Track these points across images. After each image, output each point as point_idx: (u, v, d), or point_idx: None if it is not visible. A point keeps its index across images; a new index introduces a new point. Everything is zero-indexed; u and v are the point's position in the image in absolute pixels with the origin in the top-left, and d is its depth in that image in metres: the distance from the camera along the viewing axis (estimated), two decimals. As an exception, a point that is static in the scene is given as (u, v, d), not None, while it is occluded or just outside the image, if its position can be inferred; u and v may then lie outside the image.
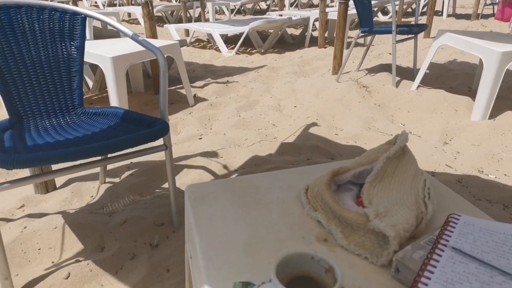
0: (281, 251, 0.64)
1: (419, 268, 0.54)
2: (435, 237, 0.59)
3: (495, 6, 8.09)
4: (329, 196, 0.71)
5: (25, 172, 1.83)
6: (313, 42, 5.13)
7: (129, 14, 8.68)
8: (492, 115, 2.39)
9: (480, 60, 2.73)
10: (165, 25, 4.85)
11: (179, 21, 7.61)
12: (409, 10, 9.40)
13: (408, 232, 0.61)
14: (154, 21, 2.76)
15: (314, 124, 2.37)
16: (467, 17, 7.97)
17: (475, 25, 6.61)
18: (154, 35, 2.81)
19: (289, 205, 0.76)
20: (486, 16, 7.96)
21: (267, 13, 6.58)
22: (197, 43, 5.13)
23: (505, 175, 1.81)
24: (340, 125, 2.40)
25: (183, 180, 1.76)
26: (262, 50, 4.57)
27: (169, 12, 7.90)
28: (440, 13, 8.42)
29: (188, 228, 0.79)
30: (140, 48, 2.23)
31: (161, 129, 1.11)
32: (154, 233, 1.40)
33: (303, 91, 2.95)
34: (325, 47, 4.70)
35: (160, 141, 1.30)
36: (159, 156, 1.97)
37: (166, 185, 1.73)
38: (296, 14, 5.39)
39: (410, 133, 2.26)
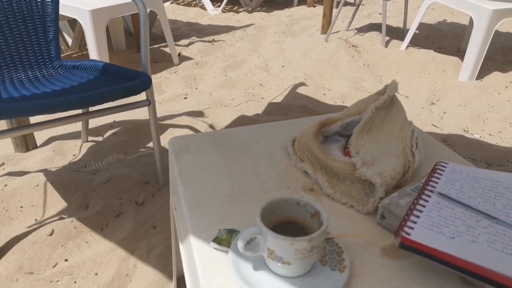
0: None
1: (404, 214, 0.53)
2: (422, 184, 0.59)
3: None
4: (316, 146, 0.69)
5: (2, 127, 1.77)
6: (302, 0, 4.97)
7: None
8: (480, 76, 2.39)
9: (470, 21, 2.69)
10: (147, -19, 4.61)
11: (163, -23, 7.23)
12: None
13: (394, 179, 0.60)
14: (135, -26, 2.61)
15: (302, 84, 2.33)
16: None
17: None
18: (135, -11, 2.66)
19: (275, 156, 0.75)
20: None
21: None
22: (181, 0, 4.91)
23: (490, 134, 1.84)
24: (328, 85, 2.36)
25: (168, 139, 1.73)
26: (250, 9, 4.41)
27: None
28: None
29: (172, 179, 0.77)
30: (120, 0, 2.12)
31: (143, 82, 1.06)
32: (139, 191, 1.38)
33: (291, 51, 2.89)
34: (314, 6, 4.56)
35: (143, 96, 1.26)
36: (143, 115, 1.92)
37: (150, 144, 1.70)
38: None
39: (397, 94, 2.24)
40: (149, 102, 1.20)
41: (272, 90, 2.27)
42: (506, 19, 2.21)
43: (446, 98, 2.20)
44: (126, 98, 1.80)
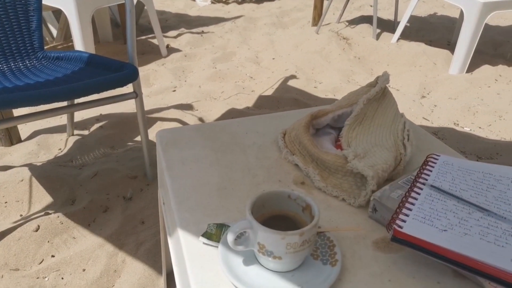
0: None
1: (396, 207, 0.52)
2: (414, 177, 0.58)
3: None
4: (307, 139, 0.68)
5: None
6: (293, -7, 4.92)
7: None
8: (470, 69, 2.40)
9: (461, 14, 2.70)
10: (135, -29, 4.52)
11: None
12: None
13: (386, 172, 0.60)
14: (122, -37, 2.55)
15: (292, 77, 2.31)
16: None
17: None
18: (122, -21, 2.61)
19: (266, 149, 0.73)
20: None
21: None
22: (170, -8, 4.83)
23: (480, 127, 1.85)
24: (319, 78, 2.35)
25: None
26: (240, 0, 4.36)
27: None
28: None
29: (160, 173, 0.75)
30: (107, -9, 2.06)
31: (130, 73, 1.03)
32: (127, 186, 1.36)
33: (281, 43, 2.86)
34: (305, -1, 4.53)
35: (130, 89, 1.23)
36: (131, 108, 1.89)
37: (138, 138, 1.67)
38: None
39: (388, 86, 2.24)
40: (136, 95, 1.17)
41: (263, 83, 2.25)
42: (496, 12, 2.22)
43: (437, 91, 2.21)
44: (113, 90, 1.77)
